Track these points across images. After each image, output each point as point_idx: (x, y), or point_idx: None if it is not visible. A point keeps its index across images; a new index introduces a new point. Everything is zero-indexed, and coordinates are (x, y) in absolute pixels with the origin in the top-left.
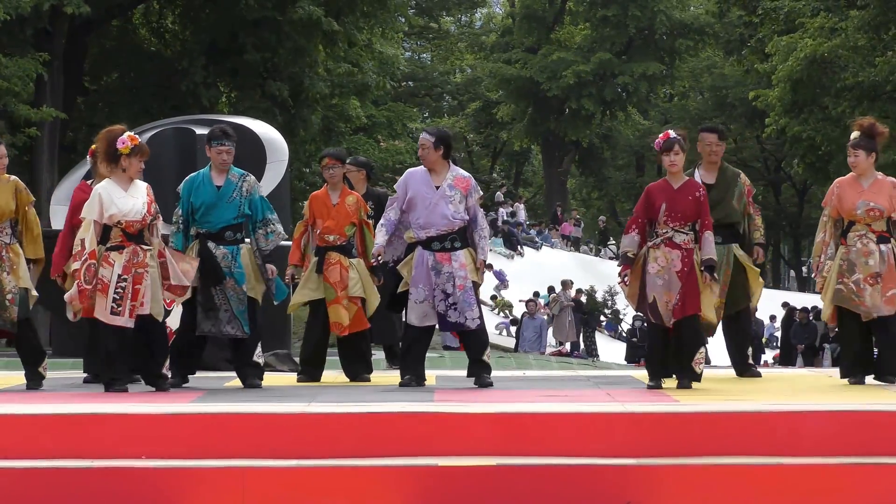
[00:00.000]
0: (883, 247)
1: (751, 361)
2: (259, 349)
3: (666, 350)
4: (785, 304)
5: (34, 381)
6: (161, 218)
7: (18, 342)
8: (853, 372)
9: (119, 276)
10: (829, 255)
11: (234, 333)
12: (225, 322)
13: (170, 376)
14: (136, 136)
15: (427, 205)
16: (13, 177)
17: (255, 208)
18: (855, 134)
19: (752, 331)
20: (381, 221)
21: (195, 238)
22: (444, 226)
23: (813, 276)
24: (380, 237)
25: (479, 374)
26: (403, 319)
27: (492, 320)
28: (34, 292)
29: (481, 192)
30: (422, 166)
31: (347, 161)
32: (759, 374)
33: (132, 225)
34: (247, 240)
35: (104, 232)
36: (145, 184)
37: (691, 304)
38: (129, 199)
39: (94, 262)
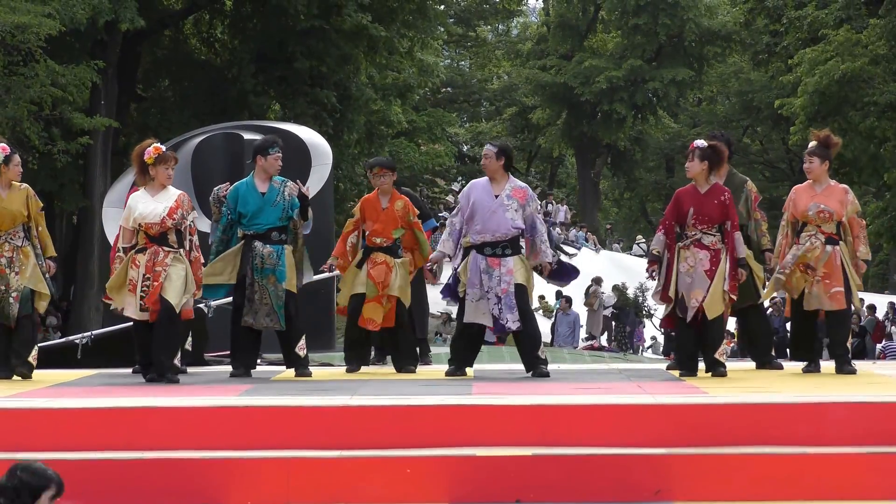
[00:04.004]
0: (829, 247)
1: (773, 354)
2: (302, 341)
3: (695, 344)
4: None
5: (23, 367)
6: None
7: (14, 334)
8: (806, 358)
9: (143, 275)
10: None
11: (272, 325)
12: (263, 315)
13: (233, 369)
14: (161, 145)
15: (486, 212)
16: (24, 184)
17: (295, 208)
18: (812, 143)
19: (773, 327)
20: (448, 230)
21: (241, 239)
22: (500, 233)
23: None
24: (448, 247)
25: (536, 366)
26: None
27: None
28: (46, 291)
29: (538, 202)
30: (483, 177)
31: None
32: (780, 367)
33: (151, 227)
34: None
35: (137, 235)
36: (179, 192)
37: None
38: (151, 203)
39: (115, 262)
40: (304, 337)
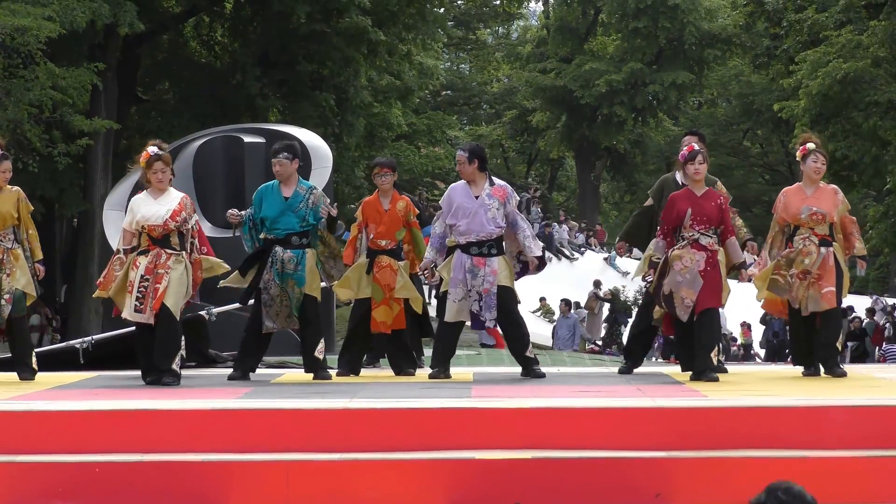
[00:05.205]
0: (823, 249)
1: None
2: (321, 344)
3: (691, 342)
4: None
5: (26, 373)
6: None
7: (11, 338)
8: (805, 362)
9: (142, 276)
10: (773, 255)
11: (291, 326)
12: (284, 317)
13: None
14: (155, 149)
15: (468, 213)
16: (15, 187)
17: (318, 219)
18: (810, 146)
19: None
20: (431, 239)
21: (264, 242)
22: (484, 233)
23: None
24: (430, 253)
25: (528, 366)
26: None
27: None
28: (34, 293)
29: (518, 198)
30: (462, 180)
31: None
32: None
33: (154, 229)
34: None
35: (139, 238)
36: (182, 194)
37: (709, 299)
38: (153, 206)
39: (115, 263)
40: (322, 340)
